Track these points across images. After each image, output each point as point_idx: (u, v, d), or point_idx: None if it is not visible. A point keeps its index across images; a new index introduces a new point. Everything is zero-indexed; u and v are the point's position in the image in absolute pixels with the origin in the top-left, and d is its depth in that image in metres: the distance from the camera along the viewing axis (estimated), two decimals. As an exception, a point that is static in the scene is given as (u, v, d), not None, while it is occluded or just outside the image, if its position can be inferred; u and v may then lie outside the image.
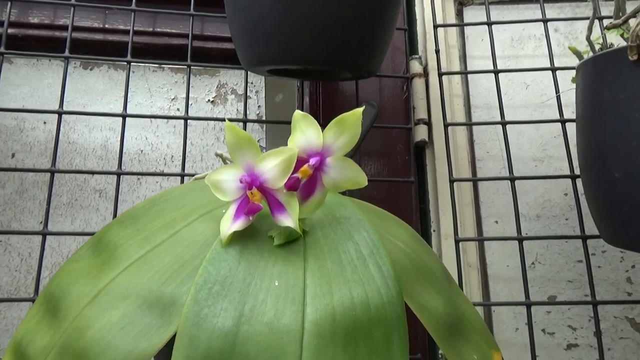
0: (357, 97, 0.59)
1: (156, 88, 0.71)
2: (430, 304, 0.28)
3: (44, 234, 0.50)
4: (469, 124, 0.67)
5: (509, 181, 0.55)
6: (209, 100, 0.71)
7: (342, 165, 0.27)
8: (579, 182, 0.54)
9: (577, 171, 0.51)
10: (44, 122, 0.68)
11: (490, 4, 0.65)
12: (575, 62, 0.46)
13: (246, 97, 0.59)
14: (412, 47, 0.68)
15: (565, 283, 0.62)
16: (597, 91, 0.40)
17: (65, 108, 0.55)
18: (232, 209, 0.26)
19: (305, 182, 0.26)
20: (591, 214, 0.45)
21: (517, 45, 0.70)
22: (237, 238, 0.26)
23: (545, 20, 0.60)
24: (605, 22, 0.53)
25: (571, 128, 0.53)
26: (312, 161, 0.26)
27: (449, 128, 0.61)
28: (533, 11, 0.69)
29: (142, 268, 0.26)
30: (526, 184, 0.64)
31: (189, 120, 0.57)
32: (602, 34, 0.53)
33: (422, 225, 0.63)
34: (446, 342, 0.27)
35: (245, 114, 0.58)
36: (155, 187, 0.67)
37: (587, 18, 0.47)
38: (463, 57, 0.70)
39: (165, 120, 0.69)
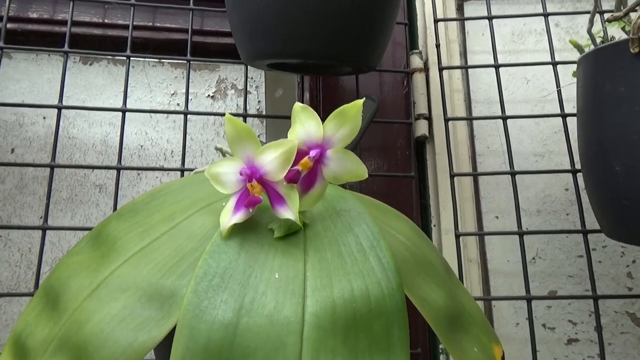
0: (357, 92, 0.59)
1: (156, 83, 0.70)
2: (430, 297, 0.28)
3: (44, 229, 0.50)
4: (470, 119, 0.66)
5: (509, 176, 0.55)
6: (208, 95, 0.71)
7: (343, 158, 0.27)
8: (579, 176, 0.54)
9: (577, 166, 0.51)
10: (44, 117, 0.68)
11: (491, -2, 0.64)
12: (576, 56, 0.46)
13: (246, 92, 0.58)
14: (412, 42, 0.68)
15: (566, 278, 0.62)
16: (598, 85, 0.40)
17: (64, 103, 0.55)
18: (232, 202, 0.26)
19: (306, 174, 0.26)
20: (592, 208, 0.45)
21: (517, 40, 0.70)
22: (237, 231, 0.26)
23: (546, 15, 0.60)
24: (607, 16, 0.53)
25: (572, 123, 0.53)
26: (313, 153, 0.26)
27: (450, 123, 0.61)
28: (534, 6, 0.69)
29: (142, 261, 0.26)
30: (527, 179, 0.64)
31: (188, 115, 0.57)
32: (603, 27, 0.53)
33: (423, 220, 0.63)
34: (447, 335, 0.27)
35: (245, 108, 0.58)
36: (155, 182, 0.67)
37: (588, 12, 0.47)
38: (464, 52, 0.70)
39: (165, 115, 0.69)
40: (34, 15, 0.66)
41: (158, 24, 0.68)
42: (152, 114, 0.69)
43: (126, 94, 0.55)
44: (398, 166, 0.65)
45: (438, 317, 0.27)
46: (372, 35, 0.48)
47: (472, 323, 0.30)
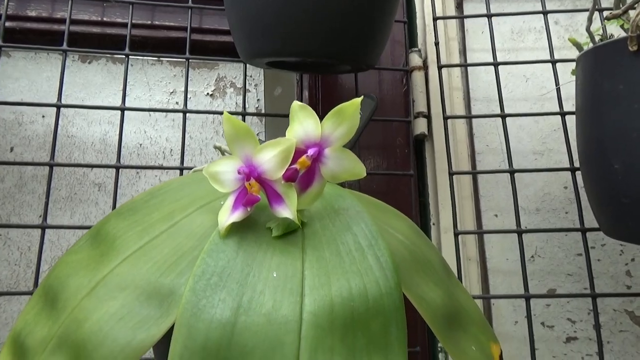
0: (356, 90, 0.59)
1: (155, 81, 0.70)
2: (428, 296, 0.28)
3: (43, 228, 0.50)
4: (469, 117, 0.66)
5: (508, 174, 0.55)
6: (207, 93, 0.71)
7: (341, 156, 0.27)
8: (578, 175, 0.54)
9: (576, 164, 0.51)
10: (43, 116, 0.67)
11: (491, -4, 0.64)
12: (575, 54, 0.46)
13: (245, 91, 0.58)
14: (411, 40, 0.68)
15: (565, 276, 0.62)
16: (596, 82, 0.40)
17: (63, 101, 0.55)
18: (230, 201, 0.26)
19: (304, 173, 0.26)
20: (591, 207, 0.45)
21: (517, 38, 0.70)
22: (236, 229, 0.26)
23: (545, 12, 0.60)
24: (606, 13, 0.53)
25: (571, 121, 0.53)
26: (311, 152, 0.26)
27: (449, 121, 0.61)
28: (533, 3, 0.69)
29: (141, 259, 0.26)
30: (526, 178, 0.64)
31: (187, 114, 0.57)
32: (602, 25, 0.53)
33: (422, 218, 0.63)
34: (444, 333, 0.27)
35: (244, 107, 0.58)
36: (154, 181, 0.67)
37: (588, 10, 0.47)
38: (463, 50, 0.70)
39: (164, 113, 0.69)
40: (33, 14, 0.66)
41: (157, 22, 0.68)
42: (151, 113, 0.69)
43: (125, 93, 0.55)
44: (397, 164, 0.65)
45: (436, 316, 0.27)
46: (372, 33, 0.48)
47: (470, 322, 0.30)
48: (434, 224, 0.62)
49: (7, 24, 0.62)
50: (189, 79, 0.58)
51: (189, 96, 0.69)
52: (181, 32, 0.67)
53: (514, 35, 0.70)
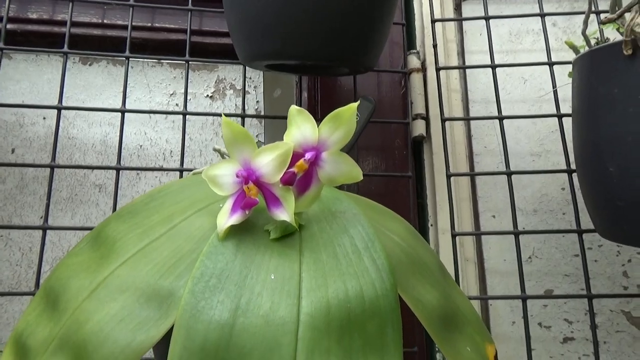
0: (355, 92, 0.59)
1: (155, 83, 0.71)
2: (424, 297, 0.28)
3: (44, 229, 0.51)
4: (466, 119, 0.67)
5: (505, 176, 0.56)
6: (207, 95, 0.72)
7: (338, 160, 0.27)
8: (575, 176, 0.54)
9: (573, 166, 0.51)
10: (44, 118, 0.68)
11: (489, -2, 0.65)
12: (573, 56, 0.46)
13: (244, 92, 0.59)
14: (410, 42, 0.68)
15: (562, 277, 0.62)
16: (592, 86, 0.41)
17: (64, 103, 0.55)
18: (228, 203, 0.27)
19: (301, 176, 0.27)
20: (587, 209, 0.46)
21: (515, 40, 0.70)
22: (234, 232, 0.26)
23: (542, 15, 0.60)
24: (603, 16, 0.53)
25: (568, 123, 0.53)
26: (308, 156, 0.26)
27: (447, 123, 0.61)
28: (531, 5, 0.69)
29: (141, 261, 0.26)
30: (524, 179, 0.64)
31: (187, 116, 0.57)
32: (599, 28, 0.53)
33: (420, 219, 0.64)
34: (440, 334, 0.28)
35: (243, 109, 0.58)
36: (154, 182, 0.68)
37: (585, 12, 0.47)
38: (461, 52, 0.70)
39: (164, 115, 0.70)
40: (34, 16, 0.67)
41: (157, 25, 0.69)
42: (151, 114, 0.69)
43: (125, 94, 0.56)
44: (395, 166, 0.65)
45: (431, 317, 0.27)
46: (371, 34, 0.48)
47: (466, 323, 0.30)
48: (432, 225, 0.63)
49: (9, 26, 0.62)
50: (188, 80, 0.58)
51: (188, 98, 0.69)
52: (181, 34, 0.68)
53: (512, 37, 0.70)
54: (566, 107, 0.57)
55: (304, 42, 0.46)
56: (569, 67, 0.52)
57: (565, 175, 0.56)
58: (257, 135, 0.71)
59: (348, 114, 0.26)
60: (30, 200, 0.66)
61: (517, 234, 0.53)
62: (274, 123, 0.69)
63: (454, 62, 0.68)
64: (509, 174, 0.55)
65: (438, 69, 0.61)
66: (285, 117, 0.27)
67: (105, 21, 0.68)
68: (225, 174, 0.27)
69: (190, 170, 0.51)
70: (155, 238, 0.28)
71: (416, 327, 0.58)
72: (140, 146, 0.69)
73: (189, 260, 0.25)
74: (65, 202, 0.66)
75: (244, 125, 0.59)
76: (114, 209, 0.52)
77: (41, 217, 0.65)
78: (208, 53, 0.68)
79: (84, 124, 0.68)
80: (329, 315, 0.23)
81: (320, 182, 0.27)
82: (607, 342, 0.60)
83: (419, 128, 0.64)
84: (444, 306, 0.29)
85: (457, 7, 0.71)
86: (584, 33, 0.44)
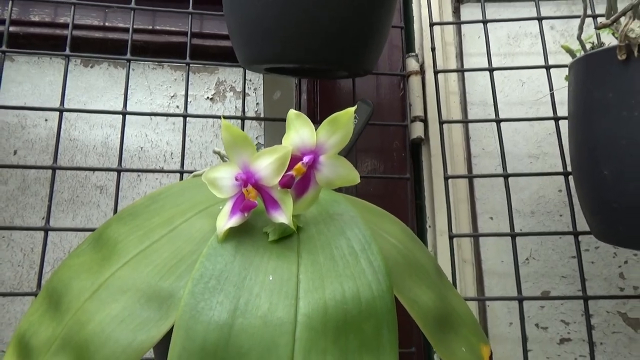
0: (354, 95, 0.60)
1: (156, 85, 0.71)
2: (420, 299, 0.29)
3: (46, 230, 0.51)
4: (464, 122, 0.67)
5: (503, 178, 0.56)
6: (207, 97, 0.72)
7: (335, 163, 0.28)
8: (572, 179, 0.55)
9: (570, 168, 0.52)
10: (45, 120, 0.68)
11: (487, 1, 0.65)
12: (570, 59, 0.47)
13: (244, 95, 0.59)
14: (409, 45, 0.69)
15: (559, 278, 0.63)
16: (588, 90, 0.41)
17: (66, 105, 0.56)
18: (228, 206, 0.27)
19: (299, 179, 0.27)
20: (582, 211, 0.46)
21: (513, 43, 0.71)
22: (233, 234, 0.26)
23: (540, 19, 0.60)
24: (600, 20, 0.54)
25: (564, 125, 0.54)
26: (306, 159, 0.27)
27: (445, 125, 0.62)
28: (529, 9, 0.69)
29: (141, 263, 0.27)
30: (521, 181, 0.65)
31: (188, 118, 0.57)
32: (596, 32, 0.54)
33: (418, 221, 0.64)
34: (435, 335, 0.28)
35: (243, 111, 0.59)
36: (155, 184, 0.68)
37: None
38: (460, 54, 0.70)
39: (165, 117, 0.70)
40: (36, 19, 0.67)
41: (158, 27, 0.69)
42: (152, 116, 0.70)
43: (126, 97, 0.56)
44: (394, 168, 0.66)
45: (427, 318, 0.28)
46: (370, 37, 0.48)
47: (462, 324, 0.31)
48: (429, 227, 0.63)
49: (11, 28, 0.62)
50: (189, 83, 0.58)
51: (189, 100, 0.70)
52: (182, 37, 0.68)
53: (510, 40, 0.71)
54: (563, 110, 0.58)
55: (303, 45, 0.46)
56: (567, 70, 0.52)
57: (562, 177, 0.57)
58: (256, 137, 0.72)
59: (345, 118, 0.27)
60: (32, 201, 0.66)
61: (514, 235, 0.54)
62: (274, 125, 0.69)
63: (453, 64, 0.68)
64: (506, 176, 0.56)
65: (436, 72, 0.62)
66: (285, 120, 0.28)
67: (106, 24, 0.68)
68: (225, 176, 0.27)
69: (191, 172, 0.51)
70: (155, 240, 0.28)
71: (414, 328, 0.59)
72: (141, 148, 0.69)
73: (189, 262, 0.26)
74: (66, 203, 0.67)
75: (243, 128, 0.59)
76: (115, 210, 0.53)
77: (43, 218, 0.65)
78: (208, 56, 0.69)
79: (85, 126, 0.69)
80: (325, 316, 0.24)
81: (318, 185, 0.28)
82: (604, 343, 0.61)
83: (417, 130, 0.64)
84: (439, 307, 0.29)
85: (456, 10, 0.71)
86: (579, 38, 0.44)
